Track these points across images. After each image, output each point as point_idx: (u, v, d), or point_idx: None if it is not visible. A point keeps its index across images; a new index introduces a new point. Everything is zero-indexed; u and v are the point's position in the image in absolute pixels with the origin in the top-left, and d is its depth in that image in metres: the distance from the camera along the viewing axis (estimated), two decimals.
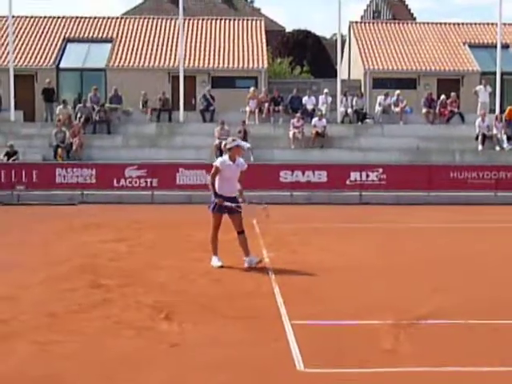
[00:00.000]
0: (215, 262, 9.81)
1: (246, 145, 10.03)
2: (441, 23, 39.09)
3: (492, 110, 26.02)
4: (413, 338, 6.38)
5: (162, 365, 5.66)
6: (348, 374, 5.45)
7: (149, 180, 20.49)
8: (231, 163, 9.65)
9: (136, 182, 20.50)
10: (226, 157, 9.79)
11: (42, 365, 5.61)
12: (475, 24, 38.77)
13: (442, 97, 26.06)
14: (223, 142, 9.96)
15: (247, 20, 38.68)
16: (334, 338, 6.41)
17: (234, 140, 9.85)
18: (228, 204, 9.53)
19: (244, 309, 7.43)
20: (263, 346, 6.16)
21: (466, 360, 5.79)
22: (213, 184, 9.66)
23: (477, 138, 23.62)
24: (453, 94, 26.46)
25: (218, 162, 9.77)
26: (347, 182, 20.74)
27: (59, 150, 21.92)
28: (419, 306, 7.46)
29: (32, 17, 36.72)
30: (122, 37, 35.65)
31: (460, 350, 6.07)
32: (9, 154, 21.17)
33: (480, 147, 23.43)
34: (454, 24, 38.93)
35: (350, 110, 25.40)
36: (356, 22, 40.50)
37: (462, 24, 38.84)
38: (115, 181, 20.43)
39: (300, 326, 6.70)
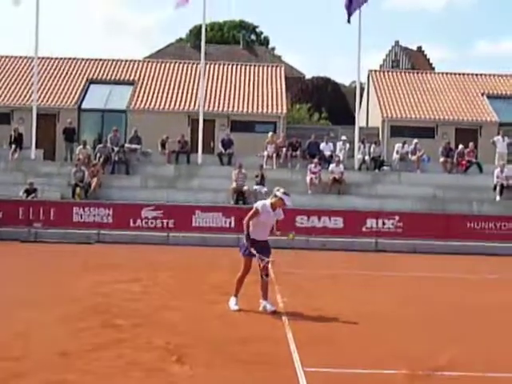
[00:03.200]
0: (233, 304, 9.76)
1: (290, 203, 9.92)
2: (459, 73, 39.34)
3: (510, 161, 25.96)
4: None
5: None
6: None
7: (165, 221, 20.55)
8: (270, 210, 9.67)
9: (152, 223, 20.58)
10: (267, 202, 9.80)
11: None
12: (493, 75, 39.01)
13: (460, 146, 26.09)
14: (275, 189, 9.95)
15: (267, 66, 39.20)
16: None
17: (285, 193, 9.74)
18: (254, 252, 9.51)
19: (257, 353, 7.35)
20: None
21: None
22: (247, 225, 9.65)
23: (495, 189, 23.52)
24: (471, 143, 26.49)
25: (259, 204, 9.75)
26: (363, 229, 20.69)
27: (77, 189, 22.09)
28: (435, 357, 7.34)
29: (56, 58, 37.49)
30: (143, 79, 36.22)
31: None
32: (28, 192, 21.38)
33: (498, 197, 23.31)
34: (472, 74, 39.17)
35: (367, 157, 25.47)
36: (375, 71, 40.89)
37: (481, 75, 39.08)
38: (132, 221, 20.52)
39: (312, 373, 6.61)
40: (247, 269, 9.73)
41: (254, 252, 9.51)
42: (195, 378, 6.40)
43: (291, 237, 9.94)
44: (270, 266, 9.87)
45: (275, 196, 9.75)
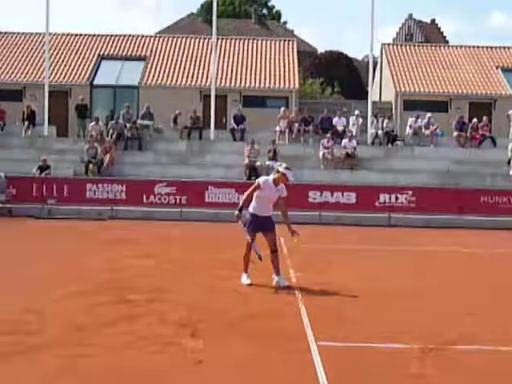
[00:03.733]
0: (244, 279, 9.83)
1: (293, 178, 9.91)
2: (473, 46, 38.87)
3: None
4: (440, 363, 6.28)
5: (185, 381, 5.64)
6: None
7: (178, 197, 20.61)
8: (273, 186, 9.66)
9: (165, 199, 20.64)
10: (270, 177, 9.80)
11: (66, 379, 5.62)
12: (509, 48, 38.50)
13: (474, 120, 25.86)
14: (276, 164, 9.96)
15: (280, 41, 38.91)
16: (359, 360, 6.34)
17: (287, 168, 9.74)
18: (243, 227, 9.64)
19: (270, 328, 7.39)
20: (288, 366, 6.11)
21: None
22: (246, 197, 9.66)
23: (509, 163, 23.34)
24: (484, 117, 26.24)
25: (261, 179, 9.80)
26: (376, 204, 20.64)
27: (90, 166, 22.16)
28: (448, 331, 7.34)
29: (68, 34, 37.37)
30: (155, 55, 36.09)
31: (488, 378, 5.95)
32: (41, 169, 21.47)
33: (511, 172, 23.16)
34: (486, 47, 38.67)
35: (380, 132, 25.32)
36: (388, 44, 40.49)
37: (496, 48, 38.58)
38: (145, 197, 20.59)
39: (326, 347, 6.64)
40: (249, 245, 9.74)
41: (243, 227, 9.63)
42: (208, 352, 6.45)
43: (295, 241, 9.90)
44: (282, 240, 9.87)
45: (278, 171, 9.73)
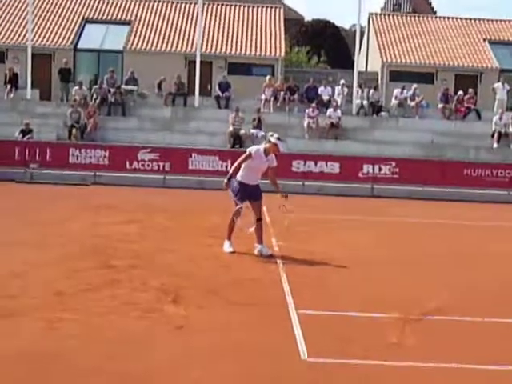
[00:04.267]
0: (227, 246, 9.86)
1: (283, 149, 9.93)
2: (461, 18, 38.69)
3: (509, 108, 25.82)
4: (419, 332, 6.38)
5: (165, 346, 5.69)
6: (351, 365, 5.46)
7: (161, 164, 20.53)
8: (263, 156, 9.66)
9: (148, 166, 20.55)
10: (261, 147, 9.81)
11: (48, 342, 5.65)
12: (496, 20, 38.39)
13: (460, 93, 25.89)
14: (261, 132, 10.00)
15: (266, 7, 38.49)
16: (339, 328, 6.42)
17: (278, 138, 9.77)
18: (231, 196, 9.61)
19: (250, 296, 7.45)
20: (268, 333, 6.18)
21: (471, 357, 5.77)
22: (236, 168, 9.64)
23: (492, 136, 23.45)
24: (470, 90, 26.26)
25: (252, 149, 9.79)
26: (359, 175, 20.70)
27: (74, 130, 21.98)
28: (427, 301, 7.44)
29: None
30: (140, 19, 35.59)
31: (466, 347, 6.06)
32: (24, 132, 21.26)
33: (495, 145, 23.28)
34: (474, 19, 38.52)
35: (365, 102, 25.29)
36: (376, 14, 40.20)
37: (483, 20, 38.45)
38: (128, 163, 20.49)
39: (306, 315, 6.71)
40: (238, 212, 9.78)
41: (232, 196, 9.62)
42: (189, 318, 6.49)
43: (286, 224, 9.94)
44: (264, 209, 9.90)
45: (269, 141, 9.75)
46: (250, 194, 9.67)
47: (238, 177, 9.74)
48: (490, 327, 6.74)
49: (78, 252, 9.44)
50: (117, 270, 8.36)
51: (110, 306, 6.73)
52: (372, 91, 25.66)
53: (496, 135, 23.30)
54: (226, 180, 9.67)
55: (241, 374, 5.18)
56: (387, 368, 5.45)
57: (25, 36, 29.77)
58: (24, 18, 31.65)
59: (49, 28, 34.01)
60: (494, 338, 6.39)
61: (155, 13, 36.35)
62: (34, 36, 30.48)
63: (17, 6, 35.04)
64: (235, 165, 9.76)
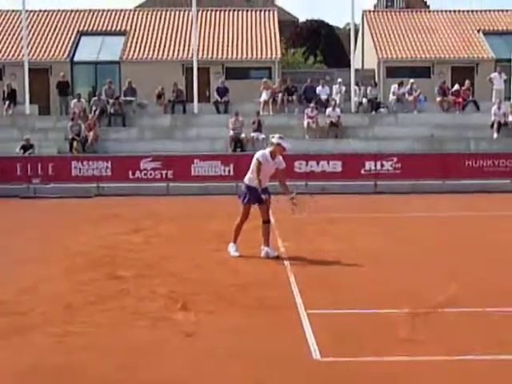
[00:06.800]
0: (233, 250, 9.86)
1: (289, 145, 9.90)
2: (454, 11, 38.73)
3: (507, 98, 25.79)
4: (429, 326, 6.37)
5: (176, 354, 5.69)
6: (364, 363, 5.45)
7: (164, 172, 20.55)
8: (270, 159, 9.65)
9: (151, 174, 20.57)
10: (266, 151, 9.78)
11: (59, 356, 5.65)
12: (489, 11, 38.39)
13: (456, 85, 25.87)
14: (261, 135, 9.97)
15: (260, 11, 38.56)
16: (350, 327, 6.42)
17: (281, 137, 9.74)
18: (263, 197, 9.54)
19: (260, 298, 7.45)
20: (279, 335, 6.18)
21: (483, 349, 5.75)
22: (258, 178, 9.49)
23: (492, 126, 23.42)
24: (466, 81, 26.24)
25: (259, 155, 9.66)
26: (362, 172, 20.69)
27: (75, 143, 22.01)
28: (436, 295, 7.41)
29: (45, 10, 36.84)
30: (135, 29, 35.69)
31: (476, 339, 6.05)
32: (25, 148, 21.29)
33: (495, 135, 23.24)
34: (467, 11, 38.54)
35: (364, 100, 25.29)
36: (369, 11, 40.26)
37: (476, 11, 38.45)
38: (130, 173, 20.51)
39: (316, 315, 6.71)
40: (245, 216, 9.79)
41: (263, 197, 9.53)
42: (200, 324, 6.50)
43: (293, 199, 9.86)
44: (271, 205, 9.87)
45: (272, 144, 9.74)
46: (258, 197, 9.66)
47: (246, 180, 9.73)
48: (499, 318, 6.72)
49: (86, 264, 9.45)
50: (124, 280, 8.38)
51: (118, 317, 6.74)
52: (370, 88, 25.66)
53: (495, 125, 23.25)
54: (263, 196, 9.51)
55: (254, 378, 5.18)
56: (399, 364, 5.44)
57: (21, 51, 29.84)
58: (19, 34, 31.72)
59: (44, 42, 34.11)
60: (506, 329, 6.38)
61: (150, 22, 36.44)
62: (30, 51, 30.58)
63: (11, 22, 35.16)
64: (256, 178, 9.51)
